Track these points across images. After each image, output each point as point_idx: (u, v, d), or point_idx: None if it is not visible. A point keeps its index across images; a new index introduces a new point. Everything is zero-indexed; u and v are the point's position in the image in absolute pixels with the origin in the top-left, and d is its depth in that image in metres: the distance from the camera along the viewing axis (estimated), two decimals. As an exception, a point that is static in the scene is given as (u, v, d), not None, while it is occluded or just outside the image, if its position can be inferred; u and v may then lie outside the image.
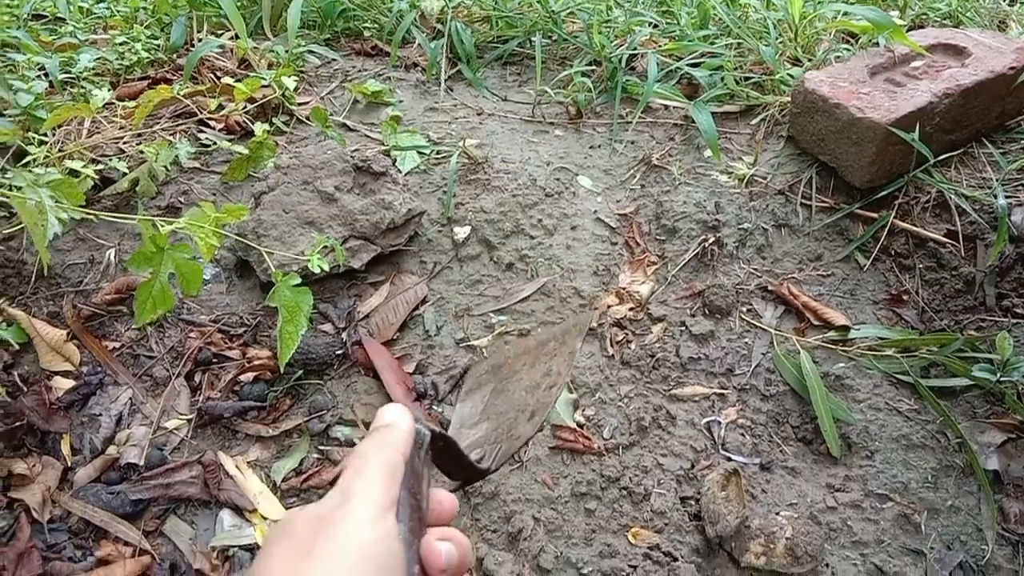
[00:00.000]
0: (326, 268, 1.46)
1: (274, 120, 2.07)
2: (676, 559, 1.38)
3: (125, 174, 1.85)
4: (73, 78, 2.06)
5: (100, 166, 1.85)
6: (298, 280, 1.39)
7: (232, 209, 1.45)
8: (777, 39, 2.19)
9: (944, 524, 1.46)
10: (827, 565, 1.39)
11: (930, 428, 1.56)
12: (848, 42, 2.24)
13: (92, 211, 1.39)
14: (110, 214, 1.35)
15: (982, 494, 1.49)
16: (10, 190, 1.40)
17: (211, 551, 1.42)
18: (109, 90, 1.85)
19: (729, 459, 1.53)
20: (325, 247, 1.52)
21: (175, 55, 2.31)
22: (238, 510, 1.47)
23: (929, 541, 1.43)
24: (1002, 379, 1.52)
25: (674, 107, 2.15)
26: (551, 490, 1.49)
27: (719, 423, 1.58)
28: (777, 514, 1.43)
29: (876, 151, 1.71)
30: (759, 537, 1.38)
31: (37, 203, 1.29)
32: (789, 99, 1.94)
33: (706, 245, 1.80)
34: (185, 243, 1.34)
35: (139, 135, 2.00)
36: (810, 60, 2.12)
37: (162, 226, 1.32)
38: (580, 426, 1.57)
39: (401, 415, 0.66)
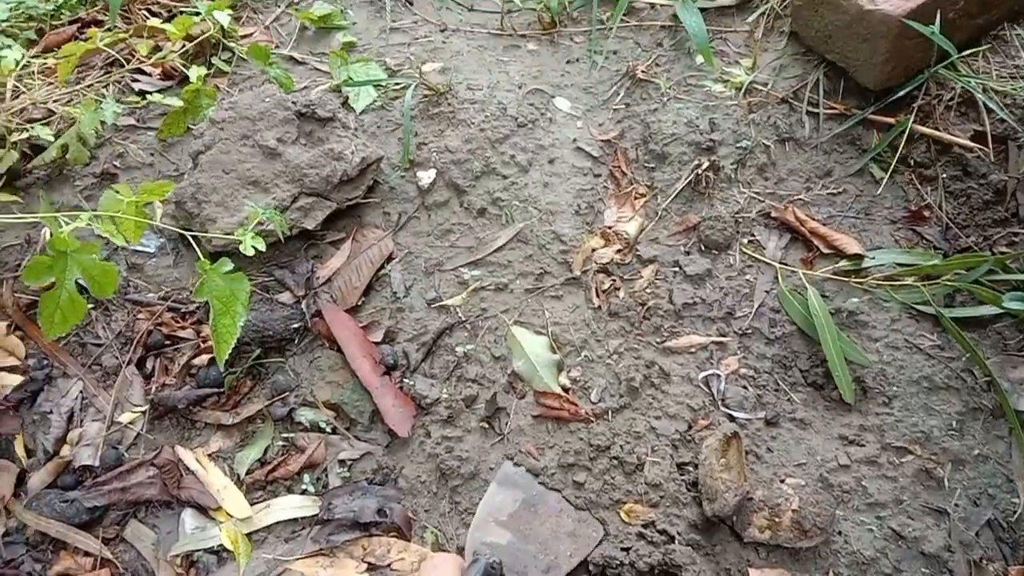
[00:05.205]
0: (261, 248, 1.29)
1: (214, 60, 1.85)
2: (673, 538, 1.26)
3: (52, 141, 1.67)
4: (-9, 31, 1.85)
5: (25, 135, 1.68)
6: (230, 266, 1.23)
7: (152, 188, 1.28)
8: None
9: (970, 476, 1.31)
10: (839, 533, 1.27)
11: (954, 367, 1.39)
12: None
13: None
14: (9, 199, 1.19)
15: (1013, 438, 1.34)
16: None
17: (174, 559, 1.33)
18: (24, 46, 1.65)
19: (731, 418, 1.38)
20: (260, 222, 1.35)
21: (107, -10, 2.08)
22: (201, 509, 1.37)
23: (954, 497, 1.30)
24: (1037, 307, 1.34)
25: (661, 5, 1.90)
26: (536, 461, 1.36)
27: (718, 376, 1.43)
28: (782, 482, 1.29)
29: (890, 47, 1.48)
30: (763, 510, 1.25)
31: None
32: (790, -11, 1.69)
33: (700, 171, 1.60)
34: (91, 242, 1.18)
35: (71, 91, 1.81)
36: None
37: (67, 222, 1.16)
38: (565, 390, 1.42)
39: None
